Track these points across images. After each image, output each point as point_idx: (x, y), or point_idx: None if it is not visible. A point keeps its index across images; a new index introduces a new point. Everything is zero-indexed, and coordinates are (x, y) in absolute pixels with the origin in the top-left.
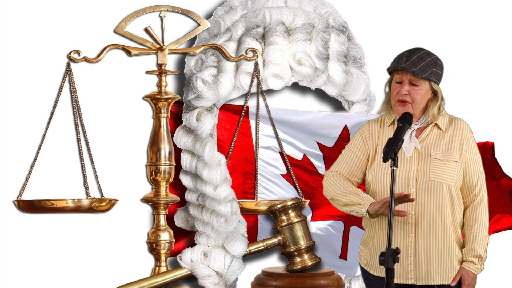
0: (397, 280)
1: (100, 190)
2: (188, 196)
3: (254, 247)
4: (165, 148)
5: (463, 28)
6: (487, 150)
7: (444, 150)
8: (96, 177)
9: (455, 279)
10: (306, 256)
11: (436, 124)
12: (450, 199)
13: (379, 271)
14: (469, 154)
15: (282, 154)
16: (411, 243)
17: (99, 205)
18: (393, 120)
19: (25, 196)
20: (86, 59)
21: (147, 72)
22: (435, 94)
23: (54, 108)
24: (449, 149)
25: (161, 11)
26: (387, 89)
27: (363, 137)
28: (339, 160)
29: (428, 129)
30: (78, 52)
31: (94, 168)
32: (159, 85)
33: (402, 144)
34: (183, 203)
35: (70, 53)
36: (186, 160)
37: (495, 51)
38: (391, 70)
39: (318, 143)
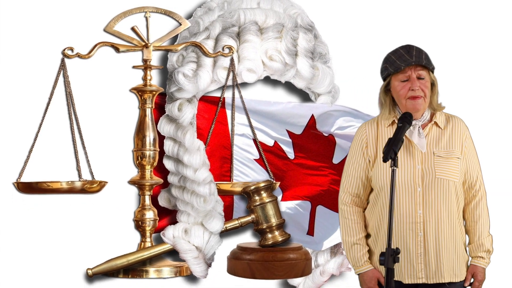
0: (407, 280)
1: (91, 173)
2: (171, 178)
3: (230, 225)
4: (150, 135)
5: (419, 26)
6: None
7: (446, 147)
8: (87, 161)
9: (468, 279)
10: (277, 233)
11: (435, 123)
12: (455, 196)
13: (397, 276)
14: (468, 151)
15: (255, 140)
16: (421, 242)
17: (90, 187)
18: (393, 120)
19: (24, 179)
20: (78, 55)
21: (134, 67)
22: (432, 85)
23: (50, 99)
24: (450, 147)
25: (146, 12)
26: (383, 94)
27: (362, 145)
28: (346, 176)
29: (428, 127)
30: (71, 49)
31: (86, 153)
32: (144, 78)
33: (402, 144)
34: (166, 184)
35: (64, 49)
36: (168, 146)
37: (459, 50)
38: (404, 67)
39: (287, 130)
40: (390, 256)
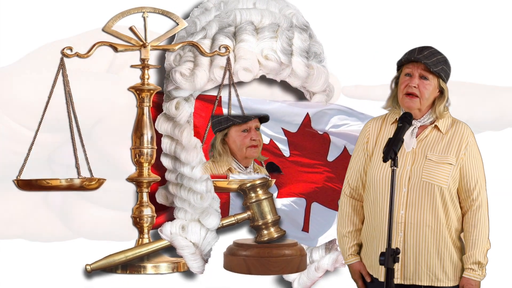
0: (383, 278)
1: (90, 170)
2: (168, 176)
3: (227, 221)
4: (147, 133)
5: (416, 26)
6: None
7: (441, 152)
8: (86, 159)
9: None
10: (272, 229)
11: (436, 126)
12: (442, 201)
13: (372, 271)
14: (467, 158)
15: None
16: (400, 242)
17: (89, 184)
18: (396, 118)
19: (24, 176)
20: (77, 55)
21: (132, 66)
22: (441, 93)
23: (49, 98)
24: (445, 152)
25: (144, 12)
26: (393, 85)
27: (364, 140)
28: (349, 168)
29: (428, 130)
30: (70, 49)
31: (84, 151)
32: (142, 77)
33: (402, 144)
34: (163, 182)
35: (63, 49)
36: (166, 144)
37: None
38: (404, 62)
39: (283, 129)
40: (390, 256)
